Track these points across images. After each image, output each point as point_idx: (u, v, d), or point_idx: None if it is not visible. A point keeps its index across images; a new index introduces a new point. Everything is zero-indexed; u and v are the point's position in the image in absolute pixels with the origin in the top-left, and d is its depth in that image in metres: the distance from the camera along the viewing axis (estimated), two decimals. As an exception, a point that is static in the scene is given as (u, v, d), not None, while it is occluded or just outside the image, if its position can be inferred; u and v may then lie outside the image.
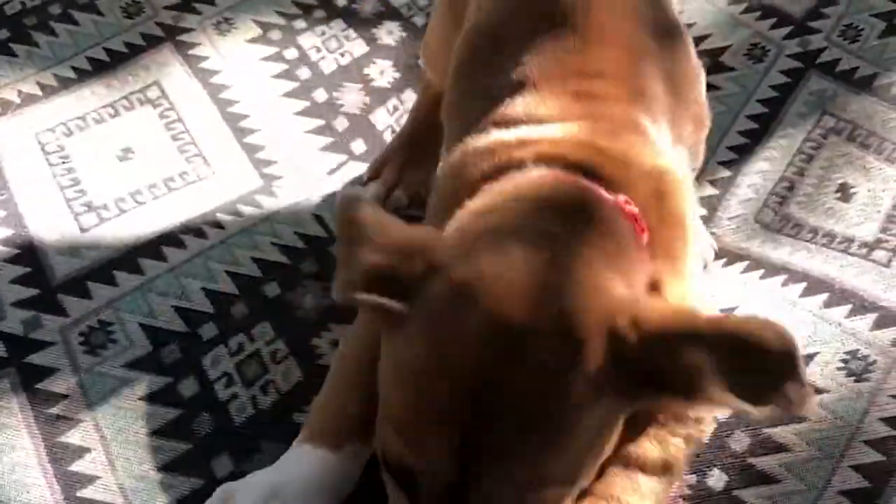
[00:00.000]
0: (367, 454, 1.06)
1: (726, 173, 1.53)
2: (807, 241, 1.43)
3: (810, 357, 1.26)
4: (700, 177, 1.51)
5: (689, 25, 1.75)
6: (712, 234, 1.42)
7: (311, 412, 1.10)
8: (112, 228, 1.45)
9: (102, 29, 1.77)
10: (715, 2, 1.80)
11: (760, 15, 1.76)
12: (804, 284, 1.35)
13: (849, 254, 1.39)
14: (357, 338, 1.10)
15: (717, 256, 1.42)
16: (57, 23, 1.79)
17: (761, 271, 1.38)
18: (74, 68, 1.70)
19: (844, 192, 1.48)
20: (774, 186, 1.51)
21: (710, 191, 1.51)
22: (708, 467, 1.15)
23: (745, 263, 1.40)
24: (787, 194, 1.49)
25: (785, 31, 1.73)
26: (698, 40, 1.72)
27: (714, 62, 1.69)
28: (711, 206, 1.49)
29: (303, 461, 1.03)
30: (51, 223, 1.46)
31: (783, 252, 1.41)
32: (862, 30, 1.71)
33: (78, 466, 1.19)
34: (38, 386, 1.26)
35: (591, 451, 0.85)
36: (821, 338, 1.28)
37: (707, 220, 1.47)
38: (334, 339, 1.30)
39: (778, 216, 1.47)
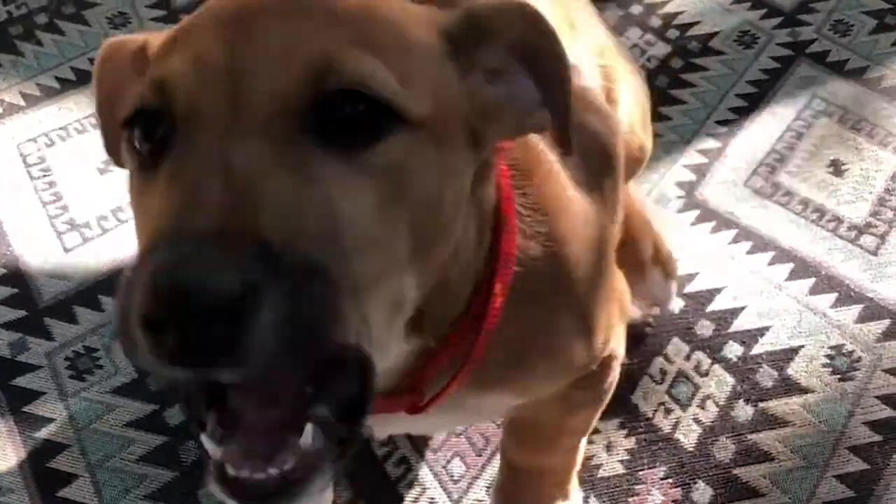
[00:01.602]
0: None
1: (715, 144, 1.53)
2: (797, 213, 1.42)
3: (795, 351, 1.26)
4: (688, 146, 1.52)
5: (678, 13, 1.73)
6: (698, 200, 1.42)
7: None
8: (95, 248, 1.45)
9: (88, 39, 1.76)
10: (704, -9, 1.78)
11: (750, 6, 1.74)
12: (791, 266, 1.35)
13: (837, 235, 1.39)
14: None
15: (705, 220, 1.42)
16: (43, 32, 1.78)
17: (749, 244, 1.38)
18: (58, 78, 1.69)
19: (837, 168, 1.47)
20: (765, 157, 1.50)
21: (698, 159, 1.51)
22: (693, 479, 1.16)
23: (734, 232, 1.40)
24: (778, 165, 1.49)
25: (775, 21, 1.71)
26: (688, 27, 1.71)
27: (703, 46, 1.67)
28: (700, 172, 1.49)
29: None
30: (35, 243, 1.46)
31: (772, 223, 1.41)
32: (852, 25, 1.69)
33: (65, 493, 1.20)
34: (25, 409, 1.27)
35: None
36: (806, 329, 1.28)
37: (695, 184, 1.47)
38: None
39: (768, 183, 1.47)
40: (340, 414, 0.59)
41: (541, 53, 0.66)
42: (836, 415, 1.20)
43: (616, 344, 0.92)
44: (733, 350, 1.27)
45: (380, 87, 0.58)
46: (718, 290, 1.33)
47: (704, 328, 1.29)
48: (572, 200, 0.82)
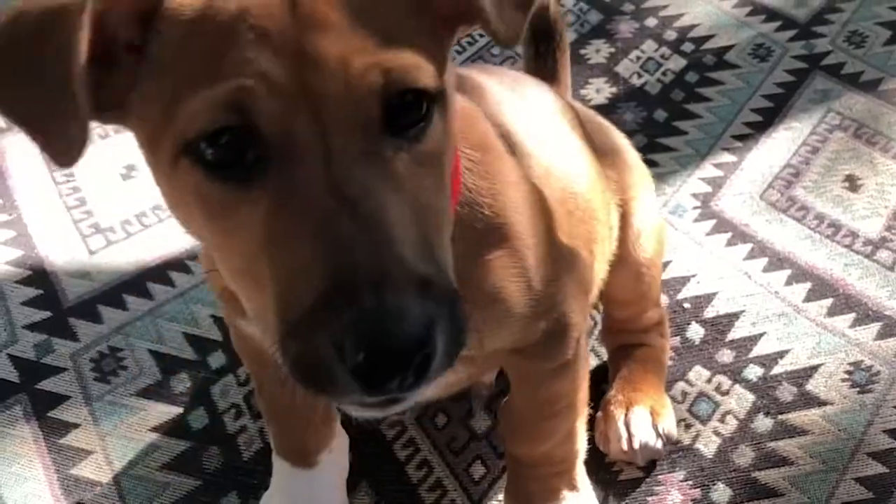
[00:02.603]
0: (342, 446, 1.14)
1: (731, 158, 1.54)
2: (812, 228, 1.43)
3: (814, 369, 1.27)
4: (704, 160, 1.54)
5: (694, 26, 1.75)
6: (714, 210, 1.43)
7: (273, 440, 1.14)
8: (120, 251, 1.46)
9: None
10: (720, 5, 1.80)
11: (765, 18, 1.76)
12: (809, 285, 1.36)
13: (853, 251, 1.40)
14: (252, 374, 1.11)
15: (720, 231, 1.43)
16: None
17: (765, 260, 1.39)
18: (81, 83, 1.70)
19: (852, 183, 1.49)
20: (780, 171, 1.52)
21: (714, 172, 1.52)
22: (712, 481, 1.16)
23: (749, 247, 1.41)
24: (793, 179, 1.50)
25: (790, 34, 1.73)
26: (703, 40, 1.72)
27: (719, 60, 1.69)
28: (716, 185, 1.50)
29: (298, 480, 1.12)
30: (60, 245, 1.47)
31: (787, 238, 1.42)
32: (867, 37, 1.71)
33: (89, 501, 1.19)
34: (51, 414, 1.27)
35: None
36: (825, 349, 1.29)
37: (711, 196, 1.49)
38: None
39: (784, 197, 1.48)
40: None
41: None
42: (856, 423, 1.21)
43: (569, 315, 0.95)
44: (754, 372, 1.28)
45: (426, 79, 0.66)
46: (737, 316, 1.33)
47: (725, 356, 1.30)
48: (514, 169, 0.90)
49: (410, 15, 0.67)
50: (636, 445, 1.17)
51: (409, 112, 0.66)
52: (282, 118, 0.63)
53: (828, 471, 1.17)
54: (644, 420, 1.18)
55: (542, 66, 1.31)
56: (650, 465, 1.19)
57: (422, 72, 0.66)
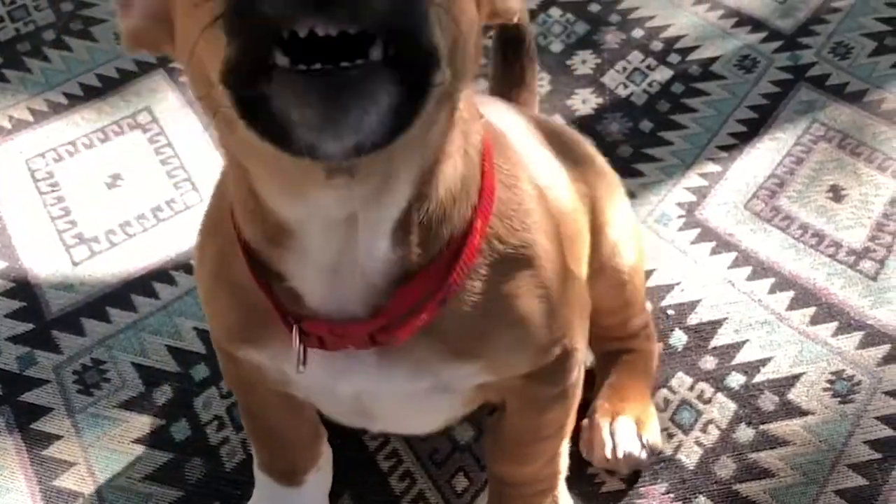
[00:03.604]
0: (327, 462, 1.14)
1: (716, 168, 1.55)
2: (796, 238, 1.44)
3: (796, 377, 1.27)
4: (689, 170, 1.54)
5: (680, 37, 1.76)
6: (699, 218, 1.44)
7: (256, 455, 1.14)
8: (104, 262, 1.46)
9: (96, 55, 1.78)
10: (706, 16, 1.80)
11: (751, 29, 1.76)
12: (791, 294, 1.36)
13: (836, 261, 1.41)
14: (239, 397, 1.11)
15: (705, 240, 1.44)
16: (51, 49, 1.79)
17: (749, 269, 1.40)
18: (66, 94, 1.71)
19: (836, 193, 1.49)
20: (765, 181, 1.52)
21: (698, 182, 1.53)
22: (694, 494, 1.17)
23: (734, 255, 1.42)
24: (778, 189, 1.51)
25: (775, 45, 1.73)
26: (688, 51, 1.73)
27: (704, 70, 1.69)
28: (701, 194, 1.51)
29: (284, 498, 1.12)
30: (44, 256, 1.47)
31: (772, 247, 1.43)
32: (852, 48, 1.71)
33: (72, 512, 1.20)
34: (33, 426, 1.27)
35: None
36: (807, 357, 1.30)
37: (695, 205, 1.49)
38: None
39: (768, 206, 1.49)
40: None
41: None
42: (836, 434, 1.22)
43: (575, 339, 0.96)
44: (736, 380, 1.28)
45: None
46: (720, 323, 1.34)
47: (708, 362, 1.30)
48: (543, 198, 0.90)
49: None
50: (620, 455, 1.17)
51: None
52: None
53: (808, 483, 1.17)
54: (629, 430, 1.19)
55: (510, 72, 1.31)
56: (633, 476, 1.19)
57: None
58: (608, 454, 1.18)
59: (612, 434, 1.19)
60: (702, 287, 1.38)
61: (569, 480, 1.12)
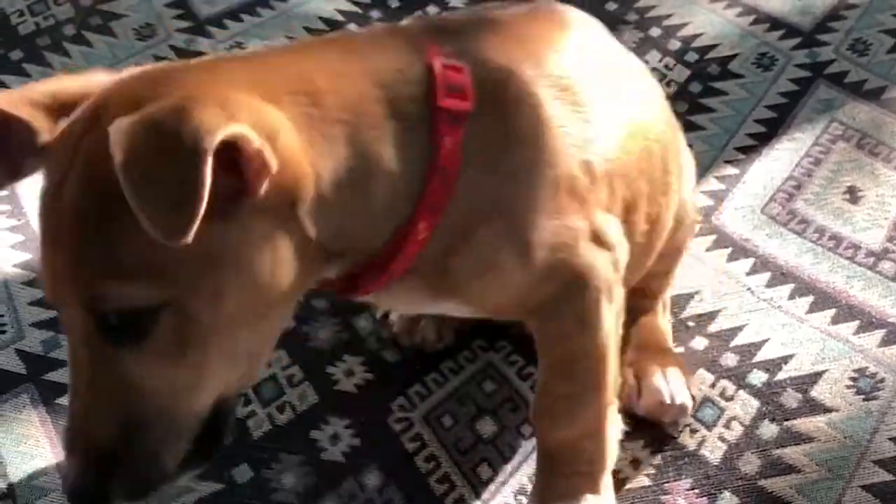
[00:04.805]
0: None
1: (734, 171, 1.54)
2: (813, 241, 1.44)
3: (819, 375, 1.27)
4: (707, 173, 1.54)
5: (698, 35, 1.76)
6: (715, 224, 1.44)
7: None
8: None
9: (116, 51, 1.78)
10: (724, 14, 1.81)
11: (769, 27, 1.77)
12: (811, 298, 1.36)
13: (855, 262, 1.40)
14: None
15: (721, 246, 1.44)
16: (70, 44, 1.80)
17: (767, 275, 1.39)
18: (87, 90, 1.71)
19: (853, 195, 1.49)
20: (782, 184, 1.52)
21: (716, 185, 1.52)
22: (718, 490, 1.16)
23: (751, 262, 1.41)
24: (795, 192, 1.50)
25: (793, 42, 1.73)
26: (707, 49, 1.73)
27: (723, 70, 1.70)
28: (718, 199, 1.50)
29: None
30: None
31: (790, 252, 1.42)
32: (871, 45, 1.72)
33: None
34: (58, 401, 1.28)
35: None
36: (829, 355, 1.29)
37: (712, 209, 1.49)
38: (349, 369, 1.31)
39: (785, 210, 1.48)
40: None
41: None
42: (861, 431, 1.21)
43: (585, 273, 0.97)
44: (758, 377, 1.28)
45: (133, 302, 0.78)
46: (741, 328, 1.33)
47: (729, 360, 1.30)
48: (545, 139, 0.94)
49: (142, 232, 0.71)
50: (678, 401, 1.20)
51: (128, 326, 0.79)
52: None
53: (834, 478, 1.17)
54: (680, 380, 1.22)
55: None
56: (656, 474, 1.19)
57: (133, 297, 0.77)
58: (667, 399, 1.20)
59: (666, 381, 1.22)
60: (721, 296, 1.38)
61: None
